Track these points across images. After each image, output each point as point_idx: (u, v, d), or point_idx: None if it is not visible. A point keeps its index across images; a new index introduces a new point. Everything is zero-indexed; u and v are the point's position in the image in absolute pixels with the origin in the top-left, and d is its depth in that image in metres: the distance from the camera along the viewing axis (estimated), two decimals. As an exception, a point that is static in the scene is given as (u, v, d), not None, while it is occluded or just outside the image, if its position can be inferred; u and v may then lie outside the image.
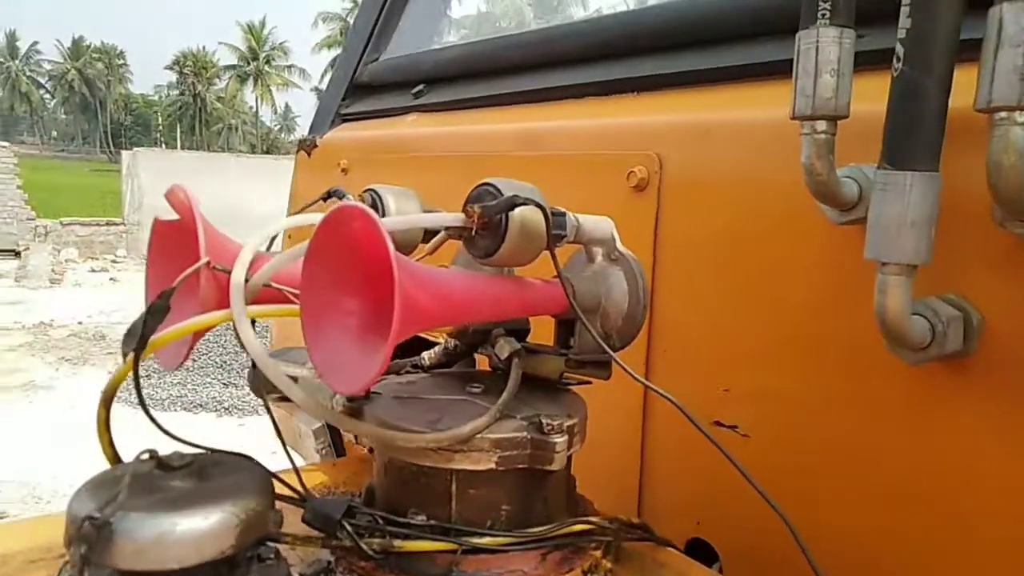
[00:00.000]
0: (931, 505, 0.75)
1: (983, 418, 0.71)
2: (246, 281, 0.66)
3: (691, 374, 0.97)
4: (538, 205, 0.62)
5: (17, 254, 13.64)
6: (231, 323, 0.64)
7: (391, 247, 0.54)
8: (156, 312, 0.59)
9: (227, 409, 6.60)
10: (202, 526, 0.54)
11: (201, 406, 6.67)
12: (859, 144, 0.73)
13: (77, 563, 0.51)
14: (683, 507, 0.99)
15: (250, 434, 5.88)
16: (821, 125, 0.69)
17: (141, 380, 0.61)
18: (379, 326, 0.61)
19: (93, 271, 13.53)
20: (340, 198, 0.81)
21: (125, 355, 0.59)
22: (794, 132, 0.80)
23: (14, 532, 0.76)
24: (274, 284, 0.69)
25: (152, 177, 15.03)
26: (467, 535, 0.67)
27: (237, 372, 7.46)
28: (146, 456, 0.59)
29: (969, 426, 0.72)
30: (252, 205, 13.41)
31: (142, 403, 0.62)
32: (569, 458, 0.71)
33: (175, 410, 6.50)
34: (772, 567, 0.91)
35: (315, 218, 0.77)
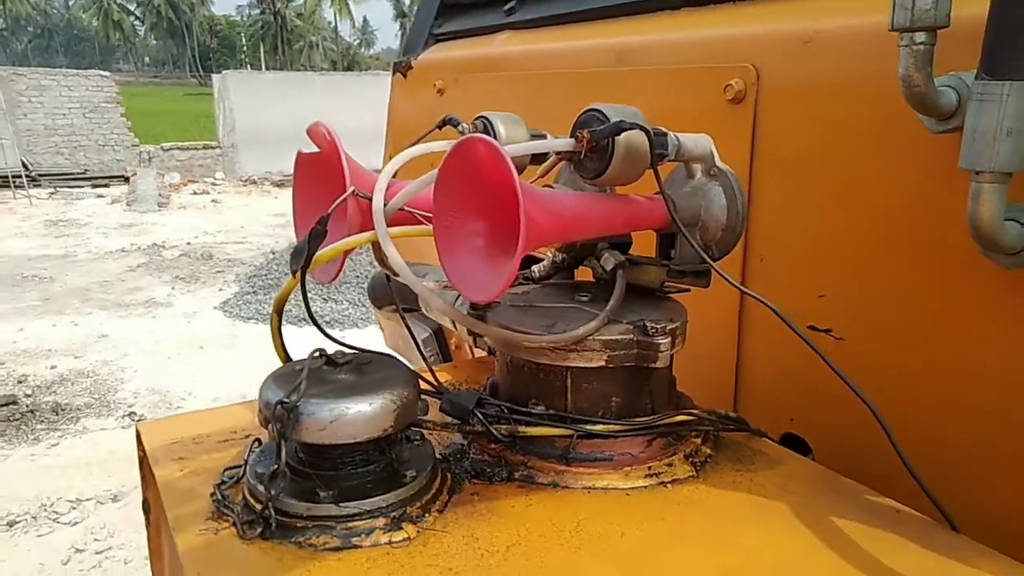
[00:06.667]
0: None
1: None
2: (384, 205, 0.75)
3: (787, 281, 1.02)
4: (642, 128, 0.68)
5: (126, 180, 14.49)
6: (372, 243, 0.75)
7: (515, 174, 0.62)
8: (317, 235, 0.69)
9: (328, 323, 6.98)
10: (368, 410, 0.66)
11: (304, 320, 7.05)
12: (961, 50, 0.74)
13: (275, 436, 0.64)
14: (777, 405, 1.06)
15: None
16: (920, 36, 0.70)
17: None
18: (504, 244, 0.69)
19: (195, 194, 14.24)
20: (455, 126, 0.89)
21: (294, 272, 0.70)
22: (896, 38, 0.81)
23: (202, 420, 0.91)
24: (406, 208, 0.78)
25: (242, 99, 15.39)
26: (582, 423, 0.77)
27: (334, 288, 7.83)
28: (317, 355, 0.71)
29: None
30: (341, 123, 13.48)
31: (309, 313, 0.74)
32: (671, 357, 0.79)
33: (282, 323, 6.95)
34: (862, 461, 0.98)
35: (436, 147, 0.85)
